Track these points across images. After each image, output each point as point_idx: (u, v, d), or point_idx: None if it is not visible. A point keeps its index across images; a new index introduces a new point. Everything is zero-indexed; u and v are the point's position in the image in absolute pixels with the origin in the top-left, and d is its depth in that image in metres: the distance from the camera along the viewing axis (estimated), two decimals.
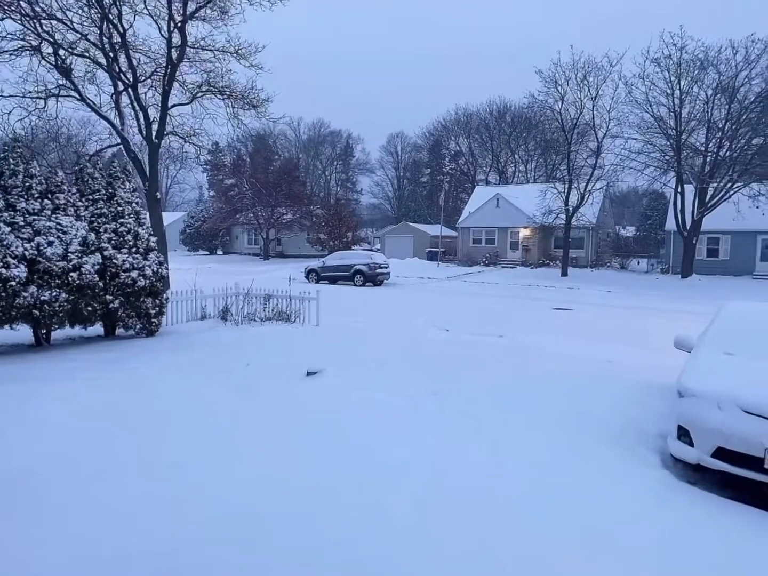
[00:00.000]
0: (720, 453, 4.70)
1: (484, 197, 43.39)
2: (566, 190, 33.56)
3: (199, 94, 20.72)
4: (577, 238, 37.90)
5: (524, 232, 40.32)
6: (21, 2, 16.59)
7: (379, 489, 4.31)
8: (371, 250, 41.65)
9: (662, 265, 36.32)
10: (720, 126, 29.86)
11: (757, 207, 28.78)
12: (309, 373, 7.52)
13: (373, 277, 26.79)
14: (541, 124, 43.36)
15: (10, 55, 17.57)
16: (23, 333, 9.41)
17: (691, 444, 4.91)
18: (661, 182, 34.22)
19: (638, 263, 40.41)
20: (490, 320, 14.93)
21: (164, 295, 10.49)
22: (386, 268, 27.72)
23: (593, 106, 32.75)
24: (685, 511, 4.31)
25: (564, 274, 33.03)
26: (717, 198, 30.42)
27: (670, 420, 5.37)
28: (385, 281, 27.68)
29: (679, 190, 31.78)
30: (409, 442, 5.25)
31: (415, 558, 3.44)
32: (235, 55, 19.93)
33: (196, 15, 19.14)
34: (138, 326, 10.14)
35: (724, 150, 30.03)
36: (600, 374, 8.18)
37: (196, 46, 19.86)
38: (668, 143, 31.25)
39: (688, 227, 31.44)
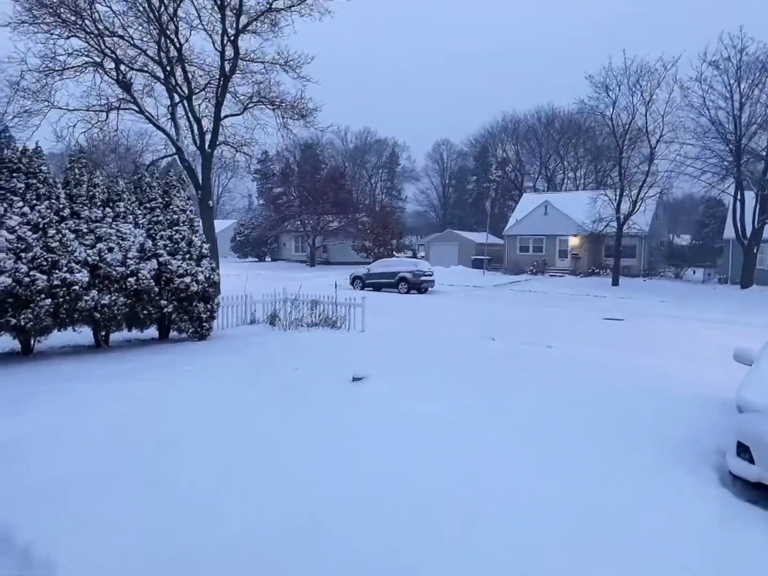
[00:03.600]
0: None
1: (532, 204, 42.74)
2: (617, 197, 32.72)
3: (250, 105, 21.32)
4: (628, 246, 36.81)
5: (573, 240, 39.45)
6: (86, 20, 17.54)
7: (426, 499, 4.30)
8: (416, 257, 41.63)
9: (720, 275, 34.82)
10: None
11: None
12: (355, 379, 7.58)
13: (417, 285, 26.78)
14: (591, 130, 42.56)
15: (75, 71, 18.59)
16: (84, 335, 9.87)
17: (752, 461, 4.69)
18: (719, 189, 32.84)
19: (694, 273, 38.85)
20: (538, 329, 14.66)
21: (215, 300, 10.80)
22: (431, 275, 27.66)
23: (646, 111, 31.92)
24: (744, 530, 4.12)
25: (615, 283, 32.15)
26: None
27: (729, 436, 5.13)
28: (429, 289, 27.61)
29: (738, 197, 30.45)
30: (453, 453, 5.22)
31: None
32: (284, 66, 20.42)
33: (249, 28, 19.75)
34: (190, 330, 10.47)
35: None
36: (653, 387, 7.91)
37: (247, 59, 20.47)
38: (727, 148, 30.02)
39: (748, 236, 30.06)
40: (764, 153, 29.36)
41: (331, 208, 46.06)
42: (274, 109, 21.56)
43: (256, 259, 55.61)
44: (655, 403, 7.05)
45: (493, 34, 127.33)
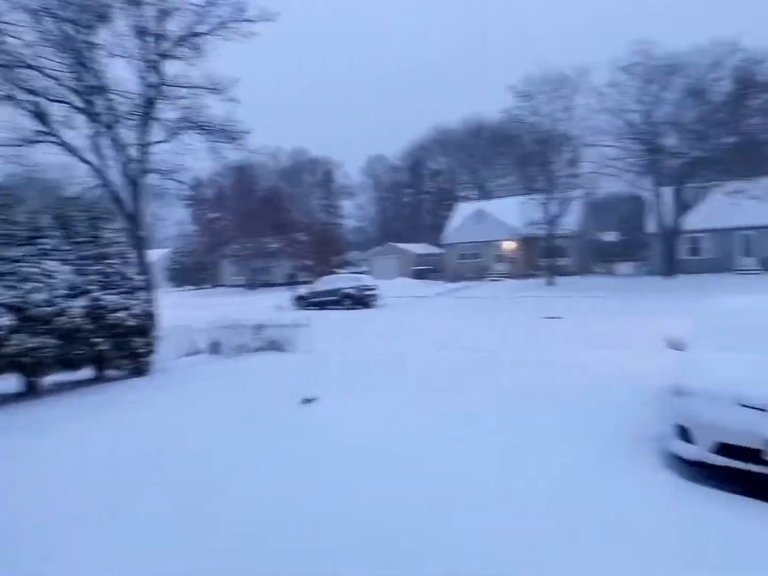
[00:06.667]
0: (720, 448, 4.73)
1: (467, 213, 43.88)
2: (546, 201, 34.03)
3: (178, 131, 20.83)
4: (560, 246, 38.27)
5: (508, 245, 40.68)
6: None
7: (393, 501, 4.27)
8: (358, 273, 41.71)
9: (646, 268, 36.74)
10: (691, 128, 30.57)
11: (735, 204, 29.33)
12: (305, 401, 7.47)
13: (361, 300, 26.78)
14: (517, 138, 44.11)
15: None
16: (13, 382, 9.26)
17: (692, 442, 4.94)
18: (638, 186, 34.85)
19: (623, 267, 40.84)
20: (482, 334, 14.95)
21: (153, 333, 10.41)
22: (374, 289, 27.73)
23: (567, 118, 33.43)
24: (689, 508, 4.33)
25: (550, 283, 33.30)
26: (694, 198, 31.00)
27: (669, 420, 5.40)
28: (374, 303, 27.68)
29: (656, 192, 32.37)
30: (406, 472, 5.23)
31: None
32: (211, 90, 20.13)
33: (171, 53, 19.36)
34: (129, 366, 10.03)
35: (698, 151, 30.71)
36: (595, 380, 8.22)
37: (171, 84, 20.04)
38: (643, 147, 31.90)
39: (668, 228, 31.93)
40: (677, 150, 31.37)
41: (269, 230, 45.51)
42: (203, 134, 21.16)
43: (194, 287, 54.09)
44: (597, 395, 7.32)
45: (418, 48, 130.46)
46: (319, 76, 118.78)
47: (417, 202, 67.95)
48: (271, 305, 27.10)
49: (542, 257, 38.82)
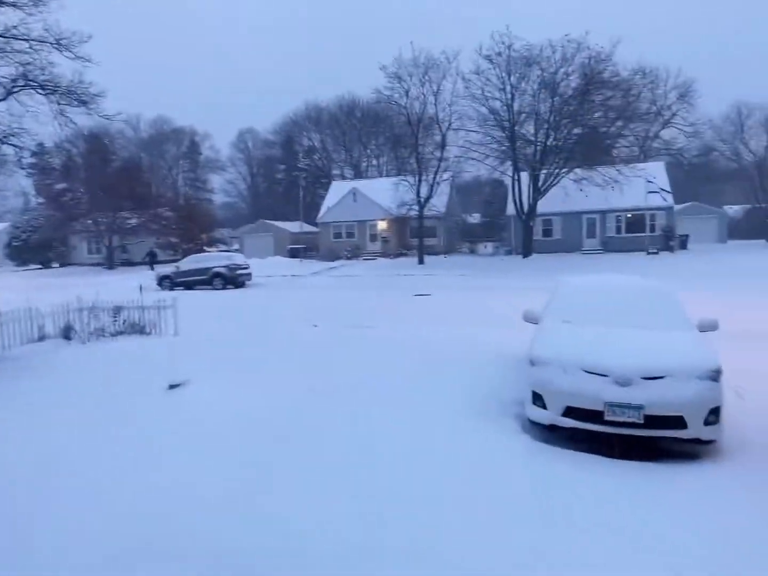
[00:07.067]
0: (569, 412, 5.25)
1: (342, 192, 43.91)
2: (417, 182, 35.09)
3: (15, 89, 18.31)
4: (430, 227, 39.82)
5: (382, 225, 41.50)
6: None
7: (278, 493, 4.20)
8: (229, 251, 40.10)
9: (506, 248, 39.52)
10: (546, 118, 33.13)
11: (581, 190, 32.46)
12: (171, 386, 7.08)
13: (233, 279, 25.83)
14: (389, 119, 44.81)
15: None
16: None
17: (545, 407, 5.43)
18: (499, 171, 37.26)
19: (485, 247, 43.58)
20: (356, 312, 15.15)
21: None
22: (247, 268, 26.88)
23: (435, 101, 34.57)
24: (545, 464, 4.78)
25: (421, 262, 34.57)
26: (548, 183, 33.80)
27: (526, 388, 5.88)
28: (246, 282, 26.84)
29: (515, 177, 34.75)
30: (288, 445, 5.19)
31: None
32: (56, 45, 17.89)
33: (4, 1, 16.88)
34: None
35: (551, 139, 33.41)
36: (459, 353, 8.70)
37: (7, 35, 17.50)
38: (504, 134, 34.00)
39: (525, 211, 34.54)
40: (533, 138, 33.85)
41: (128, 204, 41.98)
42: (46, 94, 18.82)
43: (41, 266, 48.59)
44: (462, 367, 7.77)
45: (294, 20, 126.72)
46: (188, 42, 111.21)
47: (291, 179, 66.58)
48: (133, 286, 25.17)
49: (413, 237, 40.16)
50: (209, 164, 76.18)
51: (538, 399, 5.51)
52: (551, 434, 5.42)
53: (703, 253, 31.68)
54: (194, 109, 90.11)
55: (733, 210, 54.01)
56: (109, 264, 43.41)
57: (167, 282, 26.24)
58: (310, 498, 4.19)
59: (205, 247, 42.19)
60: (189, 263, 27.01)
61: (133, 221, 42.89)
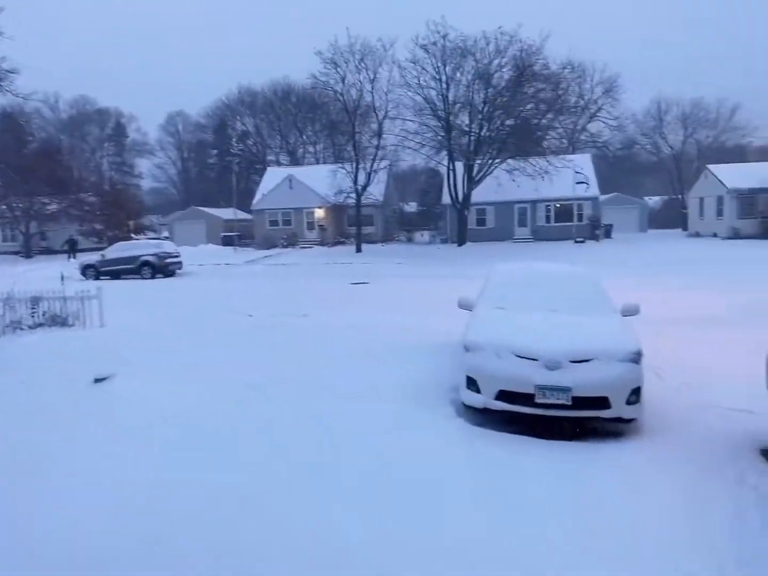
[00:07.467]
0: (502, 395, 5.40)
1: (277, 178, 43.04)
2: (354, 170, 34.92)
3: None
4: (367, 215, 39.80)
5: (319, 213, 41.08)
6: None
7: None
8: (159, 238, 38.51)
9: (442, 236, 40.12)
10: (480, 109, 33.71)
11: (513, 180, 33.35)
12: (97, 380, 6.74)
13: (163, 268, 24.84)
14: (326, 106, 44.28)
15: None
16: None
17: (479, 391, 5.56)
18: (435, 160, 37.63)
19: (422, 236, 44.07)
20: (293, 301, 14.97)
21: None
22: (177, 256, 25.90)
23: (372, 89, 34.40)
24: (478, 447, 4.93)
25: (358, 250, 34.54)
26: (482, 173, 34.50)
27: (460, 373, 6.00)
28: (177, 271, 25.90)
29: (450, 167, 35.23)
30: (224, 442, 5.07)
31: None
32: None
33: None
34: None
35: (484, 130, 34.06)
36: (397, 341, 8.78)
37: None
38: (439, 124, 34.33)
39: (460, 200, 35.14)
40: (467, 129, 34.37)
41: (47, 188, 39.39)
42: None
43: None
44: (399, 354, 7.85)
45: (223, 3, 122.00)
46: (113, 19, 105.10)
47: (224, 164, 64.52)
48: (53, 275, 23.72)
49: (350, 225, 40.01)
50: (136, 147, 72.66)
51: (472, 383, 5.63)
52: (485, 418, 5.56)
53: (626, 242, 33.44)
54: (119, 89, 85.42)
55: (653, 201, 57.22)
56: (27, 252, 40.72)
57: (91, 271, 24.91)
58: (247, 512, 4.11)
59: (132, 235, 40.34)
60: (115, 251, 25.71)
61: (53, 207, 40.30)
